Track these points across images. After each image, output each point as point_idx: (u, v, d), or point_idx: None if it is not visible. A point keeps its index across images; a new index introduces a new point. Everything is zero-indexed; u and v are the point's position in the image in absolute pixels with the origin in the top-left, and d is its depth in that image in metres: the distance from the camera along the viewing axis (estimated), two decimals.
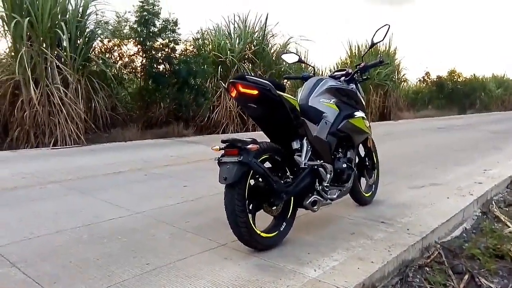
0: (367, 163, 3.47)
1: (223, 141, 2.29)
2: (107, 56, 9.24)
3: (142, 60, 9.73)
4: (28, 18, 7.18)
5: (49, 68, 7.46)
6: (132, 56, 9.67)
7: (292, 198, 2.64)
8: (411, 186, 4.27)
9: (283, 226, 2.57)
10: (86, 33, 8.29)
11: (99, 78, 8.54)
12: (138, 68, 9.73)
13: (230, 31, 12.23)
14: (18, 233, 2.67)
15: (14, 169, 4.88)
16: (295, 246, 2.54)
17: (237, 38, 11.93)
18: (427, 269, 2.58)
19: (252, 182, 2.39)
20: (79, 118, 7.84)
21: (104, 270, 2.15)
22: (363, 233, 2.80)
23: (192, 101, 9.88)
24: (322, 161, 2.74)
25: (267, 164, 2.55)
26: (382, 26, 3.12)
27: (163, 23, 9.37)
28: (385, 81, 16.81)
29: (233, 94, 2.34)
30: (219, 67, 11.10)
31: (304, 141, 2.64)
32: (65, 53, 7.59)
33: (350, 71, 3.27)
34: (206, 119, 10.97)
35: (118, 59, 9.58)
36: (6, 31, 7.55)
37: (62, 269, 2.15)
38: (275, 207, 2.47)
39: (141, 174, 4.63)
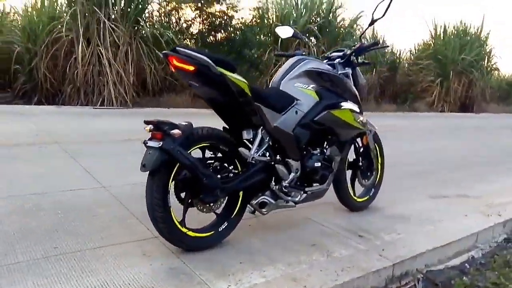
0: (361, 164, 2.98)
1: (145, 122, 2.00)
2: (163, 20, 9.22)
3: (199, 26, 9.60)
4: None
5: (101, 28, 7.58)
6: (189, 22, 9.56)
7: (240, 195, 2.31)
8: (433, 195, 3.67)
9: (223, 227, 2.26)
10: None
11: (153, 42, 8.55)
12: (195, 35, 9.61)
13: (297, 1, 11.61)
14: None
15: (38, 125, 5.02)
16: (232, 251, 2.22)
17: (303, 9, 11.30)
18: None
19: (184, 172, 2.08)
20: (127, 80, 7.95)
21: (9, 247, 2.02)
22: (325, 247, 2.39)
23: (245, 73, 9.61)
24: (279, 157, 2.35)
25: (213, 155, 2.23)
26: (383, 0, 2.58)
27: None
28: (470, 68, 15.11)
29: (172, 68, 2.03)
30: (280, 39, 10.62)
31: (259, 132, 2.26)
32: (116, 14, 7.65)
33: (348, 51, 2.77)
34: None
35: (175, 24, 9.52)
36: None
37: None
38: (210, 205, 2.15)
39: None
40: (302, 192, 2.46)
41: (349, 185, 2.97)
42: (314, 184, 2.56)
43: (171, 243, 2.12)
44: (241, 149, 2.18)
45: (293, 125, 2.36)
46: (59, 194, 2.80)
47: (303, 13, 11.18)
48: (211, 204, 2.15)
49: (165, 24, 9.25)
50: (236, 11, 9.70)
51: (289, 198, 2.41)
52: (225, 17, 9.46)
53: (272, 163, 2.32)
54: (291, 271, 2.07)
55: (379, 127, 3.10)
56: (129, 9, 7.92)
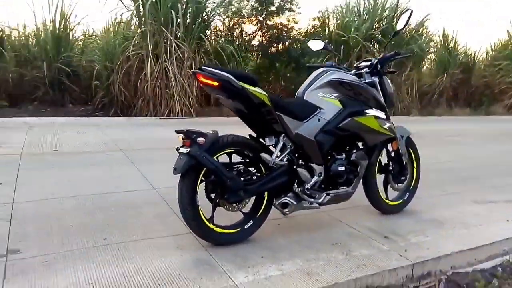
0: (391, 168, 3.04)
1: (177, 132, 2.30)
2: (226, 34, 9.70)
3: (260, 39, 9.96)
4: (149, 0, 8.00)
5: (168, 45, 8.20)
6: (251, 35, 9.96)
7: (265, 196, 2.52)
8: (479, 200, 3.60)
9: (249, 224, 2.48)
10: (203, 13, 8.83)
11: (214, 56, 9.04)
12: (256, 47, 9.99)
13: (359, 8, 11.57)
14: (40, 193, 3.11)
15: (108, 135, 5.61)
16: (256, 246, 2.43)
17: (366, 15, 11.23)
18: None
19: (212, 175, 2.34)
20: (191, 92, 8.50)
21: (66, 238, 2.39)
22: (346, 246, 2.51)
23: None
24: (301, 161, 2.53)
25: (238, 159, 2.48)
26: (405, 11, 2.67)
27: (280, 2, 9.39)
28: None
29: (201, 84, 2.31)
30: (341, 47, 10.66)
31: (281, 138, 2.46)
32: (179, 32, 8.23)
33: (374, 61, 2.88)
34: None
35: (237, 37, 9.97)
36: (134, 12, 8.54)
37: (38, 230, 2.47)
38: (235, 204, 2.39)
39: None
40: (325, 195, 2.60)
41: (381, 188, 3.06)
42: (339, 187, 2.70)
43: (202, 238, 2.38)
44: (263, 154, 2.40)
45: (315, 132, 2.53)
46: (116, 195, 3.19)
47: (365, 19, 11.11)
48: (236, 204, 2.39)
49: (228, 38, 9.73)
50: (296, 22, 9.96)
51: (312, 200, 2.57)
52: (285, 29, 9.73)
53: (294, 167, 2.50)
54: (308, 266, 2.24)
55: (446, 131, 3.17)
56: (193, 27, 8.47)
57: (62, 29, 9.29)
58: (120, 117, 8.17)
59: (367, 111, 2.70)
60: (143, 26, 8.30)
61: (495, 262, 2.69)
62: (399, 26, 2.81)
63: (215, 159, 2.32)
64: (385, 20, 11.23)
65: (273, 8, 9.45)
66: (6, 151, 4.30)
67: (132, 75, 8.51)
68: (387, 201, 3.08)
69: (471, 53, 15.64)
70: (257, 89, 2.29)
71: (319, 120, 2.56)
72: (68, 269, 2.05)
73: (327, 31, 11.04)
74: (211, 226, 2.35)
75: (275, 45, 9.91)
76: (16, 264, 2.07)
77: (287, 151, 2.48)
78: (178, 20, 8.07)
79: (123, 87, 8.62)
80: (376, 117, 2.72)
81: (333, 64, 2.88)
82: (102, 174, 3.73)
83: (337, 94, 2.64)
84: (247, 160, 2.48)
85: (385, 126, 2.77)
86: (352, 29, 10.70)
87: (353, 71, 2.88)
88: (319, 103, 2.59)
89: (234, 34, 9.98)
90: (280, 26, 9.72)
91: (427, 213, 3.21)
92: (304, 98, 2.62)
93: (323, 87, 2.63)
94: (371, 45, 10.96)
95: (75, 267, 2.07)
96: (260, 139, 2.51)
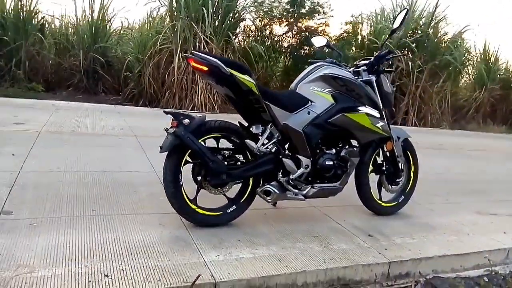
0: (384, 168, 3.02)
1: (165, 112, 2.39)
2: (255, 34, 9.81)
3: (290, 40, 10.00)
4: None
5: (197, 41, 8.37)
6: (281, 36, 10.02)
7: (250, 183, 2.58)
8: (481, 211, 3.51)
9: (231, 209, 2.54)
10: (234, 11, 8.96)
11: (243, 54, 9.15)
12: (285, 48, 10.04)
13: (395, 14, 11.36)
14: (47, 166, 3.26)
15: (128, 122, 5.78)
16: (237, 231, 2.49)
17: None
18: None
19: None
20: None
21: (58, 206, 2.52)
22: (326, 239, 2.53)
23: None
24: (288, 152, 2.57)
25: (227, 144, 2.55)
26: (401, 11, 2.67)
27: (312, 4, 9.40)
28: None
29: (192, 68, 2.40)
30: (373, 54, 10.52)
31: (268, 127, 2.51)
32: (209, 29, 8.38)
33: (373, 60, 2.89)
34: None
35: (266, 38, 10.05)
36: (166, 6, 8.80)
37: (34, 197, 2.62)
38: (218, 188, 2.46)
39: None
40: (310, 187, 2.62)
41: (374, 188, 3.05)
42: (327, 182, 2.72)
43: (185, 218, 2.47)
44: (248, 141, 2.45)
45: (304, 124, 2.55)
46: (116, 174, 3.32)
47: None
48: (219, 188, 2.45)
49: (257, 38, 9.82)
50: (328, 25, 9.95)
51: (297, 191, 2.60)
52: (316, 32, 9.73)
53: (280, 156, 2.54)
54: (281, 253, 2.28)
55: (470, 145, 3.12)
56: (222, 24, 8.61)
57: (100, 20, 9.66)
58: (144, 107, 8.40)
59: (359, 108, 2.70)
60: (174, 20, 8.51)
61: (482, 271, 2.63)
62: (395, 25, 2.82)
63: (202, 141, 2.40)
64: (420, 28, 10.99)
65: (303, 11, 9.46)
66: (27, 127, 4.55)
67: (161, 68, 8.73)
68: (379, 201, 3.06)
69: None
70: (246, 76, 2.35)
71: (309, 113, 2.59)
72: (51, 232, 2.18)
73: (359, 37, 10.94)
74: (193, 206, 2.43)
75: (305, 47, 9.91)
76: (5, 223, 2.21)
77: (273, 141, 2.52)
78: (208, 17, 8.22)
79: (152, 80, 8.86)
80: (368, 114, 2.71)
81: (333, 61, 2.90)
82: (109, 154, 3.88)
83: (329, 89, 2.66)
84: (235, 147, 2.55)
85: (378, 125, 2.76)
86: (384, 36, 10.54)
87: (351, 69, 2.89)
88: (310, 97, 2.62)
89: (264, 34, 10.06)
90: (311, 29, 9.72)
91: (421, 217, 3.16)
92: (297, 91, 2.66)
93: (316, 81, 2.65)
94: (401, 53, 10.73)
95: (58, 231, 2.19)
96: (249, 127, 2.56)
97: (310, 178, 2.67)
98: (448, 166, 5.34)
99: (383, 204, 3.08)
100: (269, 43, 10.00)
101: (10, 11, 8.76)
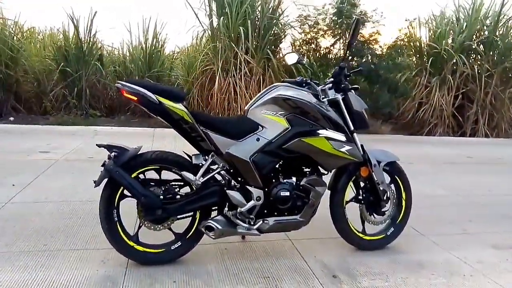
0: (360, 198, 2.66)
1: (97, 145, 2.32)
2: (300, 49, 9.58)
3: (338, 53, 9.61)
4: (222, 17, 8.28)
5: (238, 60, 8.38)
6: (328, 48, 9.67)
7: (197, 217, 2.40)
8: (500, 245, 2.97)
9: (176, 245, 2.39)
10: (273, 29, 8.84)
11: (285, 70, 8.97)
12: (332, 60, 9.65)
13: (458, 16, 10.43)
14: (37, 197, 3.37)
15: (155, 145, 5.89)
16: (176, 270, 2.34)
17: (464, 24, 10.09)
18: None
19: None
20: None
21: (14, 240, 2.56)
22: (276, 281, 2.29)
23: (383, 96, 9.15)
24: (234, 183, 2.36)
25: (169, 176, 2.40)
26: (353, 22, 2.35)
27: (361, 13, 8.96)
28: None
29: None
30: (430, 60, 9.74)
31: (209, 158, 2.32)
32: (250, 49, 8.35)
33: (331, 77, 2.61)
34: (410, 116, 9.97)
35: (311, 52, 9.76)
36: (207, 28, 8.93)
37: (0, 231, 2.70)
38: (158, 224, 2.32)
39: None
40: (261, 221, 2.37)
41: (352, 220, 2.70)
42: (287, 214, 2.44)
43: (121, 254, 2.35)
44: (184, 173, 2.29)
45: (251, 152, 2.32)
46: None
47: (463, 29, 9.99)
48: (158, 223, 2.31)
49: (302, 52, 9.57)
50: (380, 34, 9.41)
51: (247, 225, 2.37)
52: (367, 43, 9.28)
53: (225, 188, 2.34)
54: None
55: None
56: (263, 43, 8.55)
57: (153, 46, 10.12)
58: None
59: (319, 131, 2.40)
60: (216, 41, 8.62)
61: None
62: (349, 38, 2.50)
63: (141, 174, 2.30)
64: (486, 29, 9.96)
65: (349, 21, 9.03)
66: (49, 155, 4.79)
67: (205, 90, 8.87)
68: (360, 234, 2.69)
69: None
70: (176, 104, 2.21)
71: (258, 139, 2.35)
72: None
73: (417, 43, 10.19)
74: (131, 243, 2.32)
75: (356, 58, 9.44)
76: None
77: (216, 171, 2.33)
78: (248, 36, 8.19)
79: (200, 101, 9.03)
80: (328, 138, 2.39)
81: (303, 79, 2.64)
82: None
83: (282, 112, 2.40)
84: (178, 179, 2.39)
85: (343, 150, 2.43)
86: (444, 41, 9.70)
87: (319, 87, 2.59)
88: (261, 121, 2.39)
89: (308, 49, 9.77)
90: (362, 39, 9.25)
91: (414, 253, 2.73)
92: (248, 115, 2.44)
93: (267, 104, 2.41)
94: (466, 57, 9.78)
95: None
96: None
97: (265, 211, 2.42)
98: (493, 185, 4.62)
99: (366, 237, 2.71)
100: (316, 56, 9.70)
101: (71, 44, 9.48)
